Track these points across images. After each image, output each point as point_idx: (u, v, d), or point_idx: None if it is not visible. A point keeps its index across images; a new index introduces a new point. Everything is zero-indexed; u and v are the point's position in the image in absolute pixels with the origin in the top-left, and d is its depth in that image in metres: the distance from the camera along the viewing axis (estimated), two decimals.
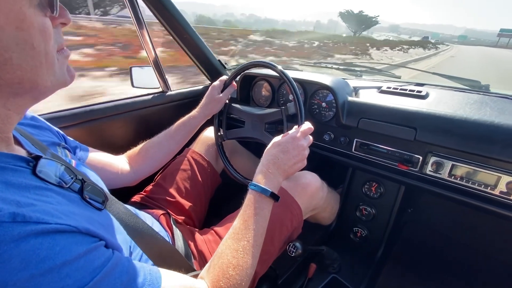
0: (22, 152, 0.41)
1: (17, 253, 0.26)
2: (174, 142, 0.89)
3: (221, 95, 0.94)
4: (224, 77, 0.96)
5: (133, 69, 1.17)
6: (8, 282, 0.25)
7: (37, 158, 0.37)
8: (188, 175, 0.95)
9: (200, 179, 0.96)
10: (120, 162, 0.80)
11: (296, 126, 0.73)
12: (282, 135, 0.71)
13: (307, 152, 0.69)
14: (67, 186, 0.39)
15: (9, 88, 0.32)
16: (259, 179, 0.63)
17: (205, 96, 0.94)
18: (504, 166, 0.66)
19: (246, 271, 0.52)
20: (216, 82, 0.96)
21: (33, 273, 0.26)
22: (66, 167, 0.41)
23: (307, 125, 0.71)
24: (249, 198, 0.61)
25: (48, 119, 0.63)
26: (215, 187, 1.04)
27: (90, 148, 0.73)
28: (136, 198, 0.90)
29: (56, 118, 0.87)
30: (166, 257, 0.57)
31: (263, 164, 0.66)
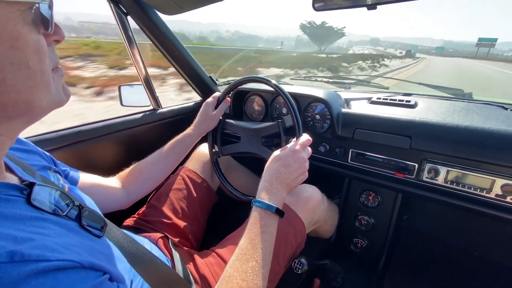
0: (14, 180, 0.38)
1: None
2: (168, 161, 0.86)
3: (215, 111, 0.93)
4: (217, 94, 0.96)
5: (122, 88, 1.15)
6: None
7: (30, 186, 0.35)
8: (183, 194, 0.92)
9: (196, 197, 0.93)
10: (112, 184, 0.76)
11: (294, 139, 0.74)
12: (280, 149, 0.70)
13: (307, 164, 0.69)
14: (64, 214, 0.36)
15: (3, 112, 0.30)
16: (263, 195, 0.61)
17: (199, 113, 0.93)
18: (498, 170, 0.68)
19: None
20: (209, 99, 0.95)
21: None
22: (61, 193, 0.39)
23: (306, 137, 0.71)
24: (254, 215, 0.59)
25: (34, 142, 0.60)
26: (212, 205, 1.01)
27: (80, 171, 0.69)
28: (129, 221, 0.85)
29: (43, 141, 0.82)
30: (167, 283, 0.54)
31: (266, 179, 0.64)
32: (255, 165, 1.21)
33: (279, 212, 0.60)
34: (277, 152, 0.70)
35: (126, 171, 0.82)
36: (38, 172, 0.47)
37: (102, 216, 0.47)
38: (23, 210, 0.31)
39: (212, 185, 1.02)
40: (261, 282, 0.51)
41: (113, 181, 0.78)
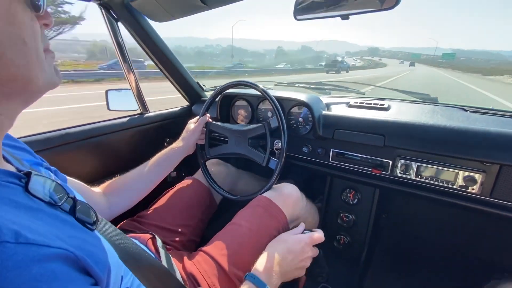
0: (12, 169, 0.39)
1: (18, 284, 0.23)
2: (153, 176, 0.86)
3: (195, 125, 0.97)
4: (196, 118, 1.00)
5: (109, 92, 1.17)
6: None
7: (28, 175, 0.35)
8: (187, 204, 0.94)
9: (198, 205, 0.96)
10: (95, 194, 0.75)
11: (303, 229, 0.73)
12: (291, 231, 0.71)
13: (309, 262, 0.69)
14: (59, 205, 0.37)
15: (2, 86, 0.31)
16: (260, 272, 0.59)
17: (184, 130, 0.97)
18: (460, 163, 0.77)
19: None
20: (192, 119, 1.00)
21: None
22: (56, 185, 0.39)
23: (320, 233, 0.71)
24: None
25: None
26: (212, 213, 1.04)
27: (67, 177, 0.69)
28: (124, 223, 0.86)
29: (29, 143, 0.81)
30: (158, 279, 0.55)
31: (269, 258, 0.63)
32: (242, 164, 1.25)
33: None
34: (286, 235, 0.70)
35: (110, 182, 0.81)
36: (32, 167, 0.48)
37: (95, 210, 0.47)
38: (21, 199, 0.32)
39: (215, 196, 1.04)
40: None
41: (97, 191, 0.77)
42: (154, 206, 0.91)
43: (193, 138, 0.95)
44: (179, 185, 0.99)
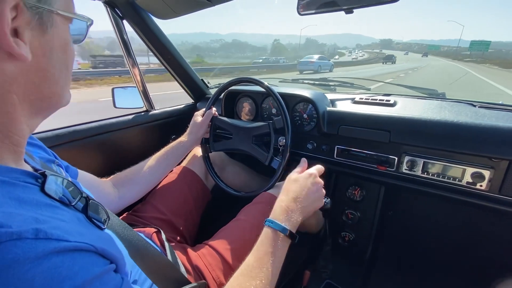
0: (29, 168, 0.40)
1: (39, 272, 0.25)
2: (161, 168, 0.89)
3: (201, 119, 0.98)
4: (201, 111, 1.02)
5: (115, 90, 1.18)
6: None
7: (44, 175, 0.36)
8: (179, 191, 0.94)
9: (191, 195, 0.96)
10: (106, 186, 0.78)
11: (305, 163, 0.76)
12: (297, 170, 0.72)
13: (323, 190, 0.70)
14: (72, 204, 0.38)
15: (41, 102, 0.36)
16: (277, 216, 0.60)
17: (190, 124, 0.99)
18: (467, 159, 0.75)
19: None
20: (198, 112, 1.01)
21: None
22: (68, 183, 0.41)
23: (320, 166, 0.74)
24: (265, 234, 0.59)
25: None
26: (206, 203, 1.04)
27: (78, 170, 0.70)
28: (124, 217, 0.87)
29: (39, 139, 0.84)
30: (163, 272, 0.56)
31: (282, 200, 0.64)
32: (247, 161, 1.25)
33: (291, 236, 0.59)
34: (294, 174, 0.71)
35: (120, 174, 0.83)
36: (45, 164, 0.50)
37: (106, 209, 0.48)
38: (38, 197, 0.33)
39: (207, 184, 1.05)
40: None
41: (107, 183, 0.80)
42: (149, 198, 0.92)
43: (201, 131, 0.97)
44: (170, 174, 0.99)
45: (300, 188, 0.66)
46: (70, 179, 0.52)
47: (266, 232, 0.59)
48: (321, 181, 0.70)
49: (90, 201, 0.42)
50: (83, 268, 0.29)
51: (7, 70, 0.30)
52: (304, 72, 18.41)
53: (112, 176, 0.83)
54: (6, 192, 0.29)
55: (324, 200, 0.71)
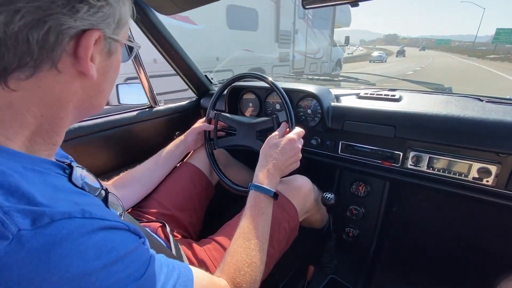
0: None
1: (91, 244, 0.29)
2: (161, 170, 0.93)
3: (197, 124, 1.03)
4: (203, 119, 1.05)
5: (119, 86, 1.18)
6: (86, 272, 0.28)
7: (71, 166, 0.40)
8: (183, 187, 0.95)
9: (195, 191, 0.96)
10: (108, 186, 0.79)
11: (283, 123, 0.81)
12: (276, 134, 0.76)
13: (301, 153, 0.75)
14: (96, 194, 0.42)
15: (87, 110, 0.40)
16: (260, 179, 0.67)
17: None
18: (473, 154, 0.74)
19: (260, 267, 0.56)
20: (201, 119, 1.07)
21: (105, 263, 0.30)
22: (88, 175, 0.45)
23: (300, 129, 0.77)
24: (253, 198, 0.65)
25: None
26: (210, 198, 1.05)
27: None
28: (130, 213, 0.88)
29: None
30: None
31: (263, 164, 0.70)
32: (250, 160, 1.25)
33: (275, 196, 0.67)
34: (273, 139, 0.75)
35: (119, 177, 0.86)
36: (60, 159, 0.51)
37: (122, 204, 0.52)
38: (69, 185, 0.37)
39: (211, 179, 1.05)
40: (263, 257, 0.58)
41: (108, 184, 0.81)
42: (154, 194, 0.93)
43: (190, 137, 1.01)
44: (174, 170, 1.00)
45: (279, 154, 0.71)
46: (86, 171, 0.54)
47: (254, 196, 0.65)
48: (299, 146, 0.74)
49: (109, 193, 0.47)
50: (123, 242, 0.33)
51: (74, 85, 0.35)
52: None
53: (112, 179, 0.85)
54: (43, 180, 0.32)
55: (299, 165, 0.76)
